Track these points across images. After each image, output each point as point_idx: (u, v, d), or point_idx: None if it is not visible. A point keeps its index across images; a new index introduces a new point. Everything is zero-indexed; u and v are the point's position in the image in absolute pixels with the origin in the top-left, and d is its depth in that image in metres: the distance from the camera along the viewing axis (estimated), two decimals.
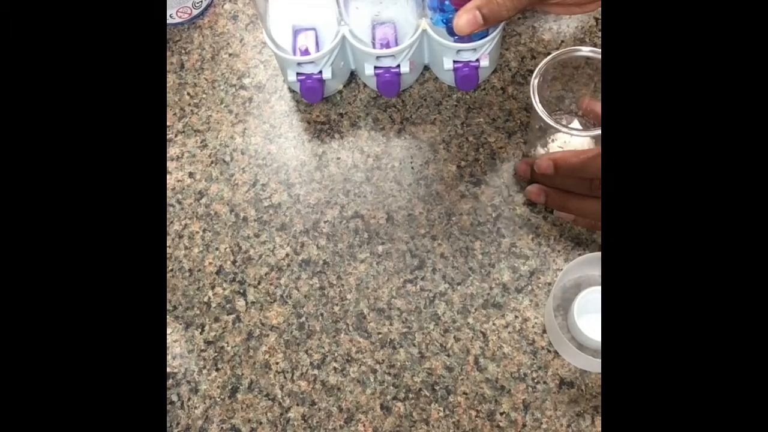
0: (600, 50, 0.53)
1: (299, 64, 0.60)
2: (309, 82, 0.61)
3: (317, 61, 0.60)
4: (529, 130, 0.60)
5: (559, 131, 0.52)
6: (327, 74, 0.61)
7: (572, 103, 0.58)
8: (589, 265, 0.54)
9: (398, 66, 0.60)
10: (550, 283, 0.56)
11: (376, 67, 0.60)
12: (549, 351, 0.54)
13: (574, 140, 0.56)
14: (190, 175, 0.63)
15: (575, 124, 0.59)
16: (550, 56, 0.53)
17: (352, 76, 0.65)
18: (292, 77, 0.61)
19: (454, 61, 0.60)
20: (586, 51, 0.53)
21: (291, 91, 0.65)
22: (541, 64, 0.53)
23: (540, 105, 0.52)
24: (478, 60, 0.60)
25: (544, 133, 0.57)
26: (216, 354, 0.56)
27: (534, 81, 0.52)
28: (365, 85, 0.65)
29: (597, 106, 0.56)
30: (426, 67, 0.65)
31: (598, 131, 0.51)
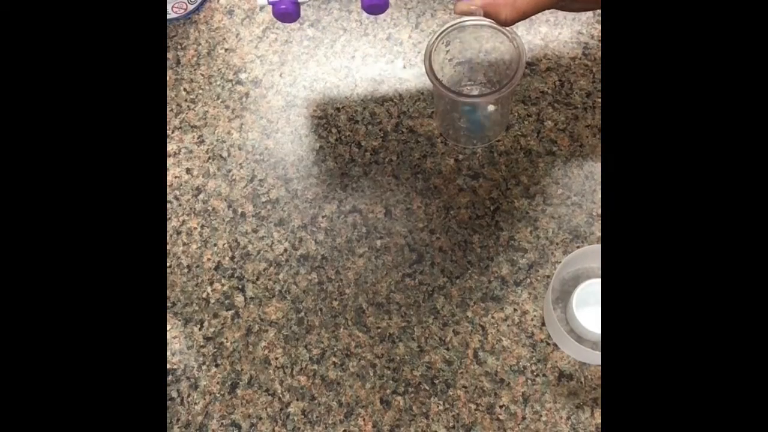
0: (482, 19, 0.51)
1: None
2: None
3: None
4: (435, 100, 0.60)
5: (459, 98, 0.53)
6: None
7: (475, 73, 0.59)
8: (588, 257, 0.54)
9: None
10: (548, 276, 0.56)
11: None
12: (548, 344, 0.54)
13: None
14: (188, 171, 0.62)
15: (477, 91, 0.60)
16: (441, 30, 0.53)
17: None
18: None
19: None
20: (473, 21, 0.52)
21: (288, 86, 0.65)
22: (431, 40, 0.53)
23: (435, 75, 0.52)
24: None
25: (447, 101, 0.57)
26: (215, 350, 0.56)
27: (426, 61, 0.52)
28: (362, 80, 0.64)
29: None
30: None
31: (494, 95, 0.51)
